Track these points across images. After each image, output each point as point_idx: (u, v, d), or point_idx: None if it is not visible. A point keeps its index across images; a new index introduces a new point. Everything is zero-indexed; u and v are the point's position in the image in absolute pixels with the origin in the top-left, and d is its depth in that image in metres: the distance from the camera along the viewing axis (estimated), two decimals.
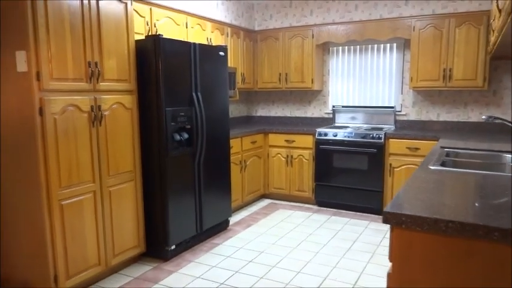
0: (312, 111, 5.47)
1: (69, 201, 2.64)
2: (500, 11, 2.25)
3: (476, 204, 1.55)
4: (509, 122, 2.42)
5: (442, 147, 3.06)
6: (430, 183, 1.89)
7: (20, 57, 2.41)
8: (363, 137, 4.45)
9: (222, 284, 2.91)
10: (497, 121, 2.61)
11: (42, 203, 2.50)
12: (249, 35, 5.23)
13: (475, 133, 4.20)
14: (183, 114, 3.31)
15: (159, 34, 3.11)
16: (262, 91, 5.68)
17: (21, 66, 2.42)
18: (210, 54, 3.63)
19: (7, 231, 2.74)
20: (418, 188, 1.79)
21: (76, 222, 2.69)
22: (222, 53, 3.78)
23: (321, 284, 2.88)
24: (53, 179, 2.52)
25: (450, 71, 4.24)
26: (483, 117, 2.46)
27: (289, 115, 5.64)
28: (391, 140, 4.32)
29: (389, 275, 1.51)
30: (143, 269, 3.16)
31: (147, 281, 2.96)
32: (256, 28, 5.44)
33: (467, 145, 3.17)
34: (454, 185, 1.87)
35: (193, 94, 3.42)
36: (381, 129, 4.66)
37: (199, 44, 3.47)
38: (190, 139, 3.41)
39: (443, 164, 2.47)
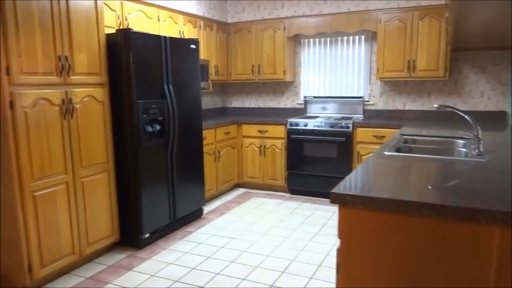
0: (285, 102, 5.61)
1: (42, 192, 2.71)
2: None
3: (415, 184, 1.71)
4: (458, 109, 2.60)
5: (402, 135, 3.25)
6: (381, 167, 2.05)
7: None
8: (332, 127, 4.62)
9: (193, 268, 3.03)
10: (447, 109, 2.79)
11: (15, 195, 2.56)
12: (222, 28, 5.31)
13: (438, 121, 4.42)
14: (154, 106, 3.39)
15: (130, 28, 3.18)
16: (236, 83, 5.79)
17: None
18: (181, 47, 3.71)
19: None
20: (368, 172, 1.94)
21: (49, 213, 2.76)
22: (193, 46, 3.86)
23: (288, 266, 3.04)
24: (25, 171, 2.58)
25: (414, 62, 4.44)
26: (435, 105, 2.63)
27: (262, 106, 5.76)
28: (358, 129, 4.50)
29: (338, 251, 1.67)
30: (118, 257, 3.25)
31: (120, 268, 3.06)
32: (229, 21, 5.52)
33: (427, 132, 3.37)
34: (401, 168, 2.04)
35: (165, 86, 3.51)
36: (350, 118, 4.84)
37: (170, 37, 3.55)
38: (163, 130, 3.51)
39: (398, 150, 2.65)
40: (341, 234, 1.64)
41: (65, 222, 2.89)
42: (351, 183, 1.72)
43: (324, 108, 5.29)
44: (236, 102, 5.96)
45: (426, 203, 1.43)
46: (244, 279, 2.85)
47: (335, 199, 1.60)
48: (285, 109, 5.60)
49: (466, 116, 2.54)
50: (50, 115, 2.73)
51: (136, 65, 3.20)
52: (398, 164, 2.14)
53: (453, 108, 2.59)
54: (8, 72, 2.46)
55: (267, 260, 3.17)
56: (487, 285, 1.38)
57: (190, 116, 3.88)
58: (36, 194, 2.67)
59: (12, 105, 2.49)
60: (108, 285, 2.80)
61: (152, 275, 2.94)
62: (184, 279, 2.86)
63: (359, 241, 1.59)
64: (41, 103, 2.66)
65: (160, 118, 3.47)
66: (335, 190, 1.61)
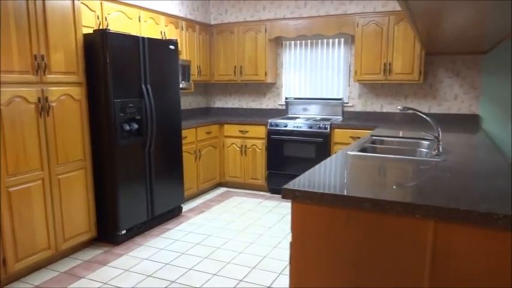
0: (267, 103, 5.70)
1: (17, 188, 2.77)
2: None
3: (362, 181, 1.81)
4: (420, 112, 2.70)
5: (372, 136, 3.35)
6: (337, 166, 2.15)
7: None
8: (310, 127, 4.72)
9: (167, 264, 3.11)
10: (410, 111, 2.90)
11: None
12: (205, 29, 5.39)
13: (413, 123, 4.54)
14: (132, 105, 3.46)
15: (107, 28, 3.26)
16: (220, 83, 5.87)
17: None
18: (160, 47, 3.79)
19: None
20: (323, 170, 2.04)
21: (24, 208, 2.82)
22: (172, 47, 3.94)
23: (259, 262, 3.13)
24: (0, 167, 2.64)
25: (390, 65, 4.56)
26: (398, 107, 2.73)
27: (245, 107, 5.85)
28: (336, 130, 4.61)
29: (291, 244, 1.76)
30: (94, 253, 3.32)
31: (96, 263, 3.13)
32: (213, 22, 5.60)
33: (397, 134, 3.48)
34: (356, 166, 2.14)
35: (143, 86, 3.58)
36: (328, 119, 4.95)
37: (148, 38, 3.62)
38: (141, 129, 3.58)
39: (363, 150, 2.75)
40: (293, 228, 1.73)
41: (41, 217, 2.95)
42: (304, 180, 1.81)
43: (304, 110, 5.40)
44: (219, 103, 6.04)
45: (367, 198, 1.53)
46: (215, 275, 2.93)
47: (286, 194, 1.69)
48: (266, 110, 5.70)
49: (427, 118, 2.65)
50: (26, 113, 2.79)
51: (113, 65, 3.27)
52: (355, 162, 2.24)
53: (415, 110, 2.70)
54: None
55: (239, 256, 3.25)
56: (423, 275, 1.48)
57: (169, 116, 3.95)
58: (10, 189, 2.73)
59: None
60: (82, 280, 2.86)
61: (126, 270, 3.01)
62: (156, 274, 2.94)
63: (308, 234, 1.69)
64: (16, 101, 2.73)
65: (138, 117, 3.55)
66: (286, 186, 1.70)
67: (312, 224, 1.67)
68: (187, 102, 5.65)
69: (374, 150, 2.84)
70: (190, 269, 3.02)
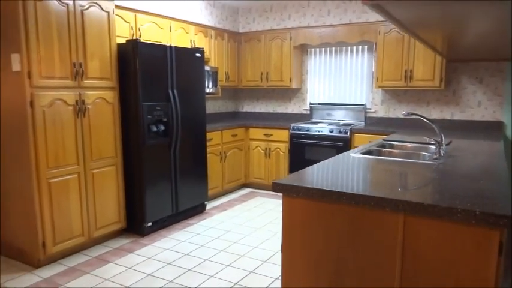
0: (292, 108, 5.90)
1: (56, 180, 3.14)
2: None
3: (352, 178, 1.98)
4: (424, 117, 2.81)
5: (384, 140, 3.47)
6: (335, 165, 2.32)
7: (15, 59, 2.91)
8: (331, 132, 4.87)
9: (186, 254, 3.38)
10: (414, 116, 3.01)
11: (32, 181, 3.00)
12: (233, 37, 5.67)
13: (433, 129, 4.57)
14: (159, 108, 3.78)
15: (137, 39, 3.59)
16: (248, 88, 6.13)
17: (16, 66, 2.92)
18: (187, 55, 4.10)
19: (7, 206, 3.27)
20: (319, 169, 2.22)
21: (62, 198, 3.19)
22: (198, 54, 4.24)
23: (271, 257, 3.33)
24: (41, 160, 3.02)
25: (411, 72, 4.63)
26: (403, 113, 2.85)
27: (271, 111, 6.08)
28: (356, 134, 4.73)
29: (282, 234, 1.96)
30: (122, 242, 3.65)
31: (123, 250, 3.45)
32: (241, 30, 5.88)
33: (412, 139, 3.57)
34: (351, 166, 2.30)
35: (170, 91, 3.89)
36: (350, 125, 5.07)
37: (175, 46, 3.94)
38: (167, 130, 3.89)
39: (368, 153, 2.89)
40: (283, 219, 1.93)
41: (76, 207, 3.31)
42: (295, 176, 2.01)
43: (328, 115, 5.54)
44: (248, 107, 6.30)
45: (344, 193, 1.71)
46: (228, 266, 3.16)
47: (275, 188, 1.90)
48: (292, 114, 5.89)
49: (432, 125, 2.75)
50: (65, 114, 3.17)
51: (143, 72, 3.60)
52: (351, 163, 2.41)
53: (420, 116, 2.81)
54: (29, 76, 2.91)
55: (253, 250, 3.47)
56: (394, 264, 1.64)
57: (194, 118, 4.25)
58: (50, 181, 3.10)
59: (32, 104, 2.94)
60: (109, 264, 3.19)
61: (148, 258, 3.30)
62: (175, 262, 3.21)
63: (296, 225, 1.88)
64: (57, 103, 3.10)
65: (165, 119, 3.86)
66: (276, 181, 1.91)
67: (298, 215, 1.87)
68: (216, 107, 5.95)
69: (379, 153, 2.98)
70: (206, 260, 3.27)
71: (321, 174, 2.09)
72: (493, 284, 1.48)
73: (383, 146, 3.28)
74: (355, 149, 2.93)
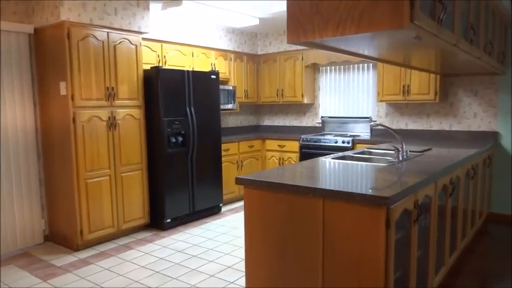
0: (306, 121, 6.44)
1: (92, 180, 3.92)
2: None
3: (301, 175, 2.53)
4: (389, 127, 3.27)
5: (368, 148, 3.94)
6: (299, 166, 2.87)
7: (62, 86, 3.75)
8: (335, 143, 5.36)
9: (195, 245, 4.02)
10: (379, 127, 3.47)
11: (73, 181, 3.80)
12: (252, 58, 6.35)
13: (429, 139, 4.93)
14: (177, 123, 4.50)
15: (159, 66, 4.36)
16: (267, 104, 6.76)
17: (63, 91, 3.75)
18: (203, 77, 4.81)
19: (54, 201, 4.10)
20: (284, 168, 2.78)
21: (96, 195, 3.96)
22: (213, 76, 4.95)
23: None
24: (81, 165, 3.81)
25: (408, 86, 5.04)
26: (371, 123, 3.33)
27: (288, 124, 6.65)
28: (357, 144, 5.18)
29: (244, 218, 2.54)
30: (145, 234, 4.37)
31: (145, 241, 4.16)
32: (259, 52, 6.55)
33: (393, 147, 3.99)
34: (313, 167, 2.83)
35: (187, 108, 4.61)
36: (357, 136, 5.52)
37: (192, 70, 4.67)
38: (184, 141, 4.60)
39: (342, 158, 3.39)
40: (245, 207, 2.52)
41: (107, 203, 4.07)
42: (258, 174, 2.59)
43: (338, 127, 6.02)
44: (267, 121, 6.92)
45: (283, 184, 2.27)
46: (227, 254, 3.76)
47: (237, 181, 2.49)
48: (306, 127, 6.43)
49: (395, 134, 3.21)
50: (100, 128, 3.96)
51: (164, 92, 4.34)
52: (316, 164, 2.94)
53: (385, 126, 3.28)
54: (72, 99, 3.73)
55: None
56: (319, 237, 2.17)
57: (209, 131, 4.93)
58: (88, 181, 3.89)
59: (74, 120, 3.75)
60: (132, 250, 3.90)
61: (164, 247, 3.98)
62: (184, 250, 3.86)
63: (253, 210, 2.46)
64: (93, 119, 3.90)
65: (183, 132, 4.57)
66: (238, 176, 2.50)
67: (255, 203, 2.45)
68: (238, 121, 6.63)
69: (351, 159, 3.46)
70: (210, 249, 3.89)
71: (277, 172, 2.66)
72: (383, 249, 1.96)
73: (362, 153, 3.75)
74: (335, 154, 3.45)
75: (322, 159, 3.23)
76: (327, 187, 2.13)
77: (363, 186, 2.17)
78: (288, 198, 2.28)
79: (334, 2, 1.92)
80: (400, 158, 3.13)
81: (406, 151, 3.28)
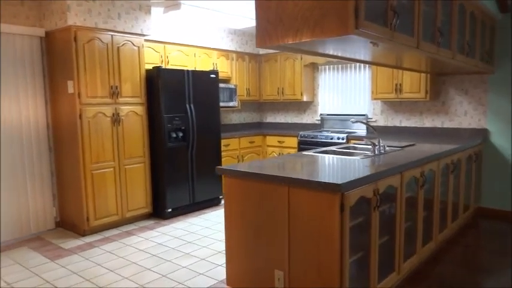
0: (306, 119, 6.67)
1: (97, 171, 4.26)
2: None
3: (276, 166, 2.80)
4: (367, 123, 3.49)
5: (354, 143, 4.17)
6: (279, 158, 3.14)
7: (70, 84, 4.10)
8: (331, 139, 5.59)
9: (192, 232, 4.33)
10: (358, 122, 3.69)
11: (80, 172, 4.15)
12: (254, 58, 6.62)
13: (422, 136, 5.11)
14: (178, 119, 4.81)
15: (160, 66, 4.68)
16: (269, 102, 7.02)
17: (70, 89, 4.10)
18: (202, 76, 5.11)
19: (64, 190, 4.46)
20: (267, 160, 3.05)
21: (101, 185, 4.31)
22: (213, 75, 5.24)
23: None
24: (87, 157, 4.16)
25: (400, 85, 5.22)
26: (352, 120, 3.55)
27: (289, 121, 6.90)
28: (351, 140, 5.40)
29: (224, 203, 2.82)
30: (147, 223, 4.70)
31: (147, 228, 4.49)
32: (261, 52, 6.80)
33: (384, 143, 4.20)
34: (290, 159, 3.09)
35: (187, 105, 4.92)
36: (353, 132, 5.74)
37: (192, 70, 4.97)
38: (184, 136, 4.91)
39: (324, 152, 3.63)
40: (225, 194, 2.80)
41: (112, 193, 4.41)
42: (236, 164, 2.86)
43: (336, 124, 6.24)
44: (270, 118, 7.18)
45: (253, 173, 2.54)
46: (219, 241, 4.05)
47: (218, 171, 2.78)
48: (306, 124, 6.66)
49: (373, 130, 3.45)
50: (104, 123, 4.30)
51: (164, 91, 4.66)
52: (296, 157, 3.20)
53: (362, 122, 3.51)
54: (79, 96, 4.07)
55: None
56: (285, 219, 2.44)
57: (208, 127, 5.22)
58: (93, 172, 4.23)
59: (80, 116, 4.10)
60: (134, 236, 4.23)
61: (163, 233, 4.30)
62: (181, 237, 4.17)
63: (231, 197, 2.74)
64: (99, 115, 4.24)
65: (183, 127, 4.88)
66: (218, 167, 2.79)
67: (232, 190, 2.73)
68: (241, 118, 6.91)
69: (333, 153, 3.69)
70: (205, 236, 4.19)
71: (254, 163, 2.93)
72: (338, 230, 2.22)
73: (347, 148, 3.98)
74: (319, 149, 3.70)
75: (304, 153, 3.48)
76: (293, 176, 2.39)
77: (325, 175, 2.42)
78: (259, 186, 2.56)
79: (293, 13, 2.18)
80: (376, 152, 3.35)
81: (384, 146, 3.50)
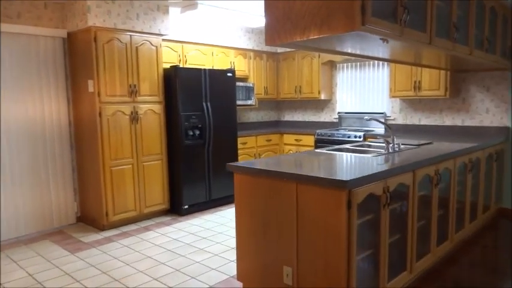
0: (324, 117, 6.65)
1: (116, 168, 4.38)
2: None
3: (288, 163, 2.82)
4: (382, 122, 3.46)
5: (369, 141, 4.14)
6: (293, 156, 3.15)
7: (90, 83, 4.23)
8: (348, 137, 5.55)
9: (207, 229, 4.39)
10: (372, 120, 3.66)
11: (100, 168, 4.27)
12: (272, 56, 6.64)
13: (445, 134, 5.02)
14: (194, 117, 4.89)
15: (177, 65, 4.76)
16: (288, 100, 7.02)
17: (91, 88, 4.23)
18: (219, 75, 5.16)
19: (85, 186, 4.61)
20: (278, 157, 3.07)
21: (120, 182, 4.43)
22: (229, 74, 5.29)
23: None
24: (106, 154, 4.28)
25: (419, 82, 5.14)
26: (366, 117, 3.53)
27: (307, 120, 6.88)
28: (368, 138, 5.35)
29: (235, 199, 2.86)
30: (165, 219, 4.80)
31: (163, 224, 4.59)
32: (279, 51, 6.82)
33: (398, 141, 4.15)
34: (302, 157, 3.10)
35: (204, 103, 4.99)
36: (371, 131, 5.68)
37: (209, 69, 5.04)
38: (201, 134, 4.98)
39: (338, 150, 3.62)
40: (235, 189, 2.84)
41: (130, 189, 4.53)
42: (247, 162, 2.90)
43: (354, 122, 6.19)
44: (288, 116, 7.19)
45: (262, 169, 2.57)
46: (232, 237, 4.10)
47: (229, 167, 2.82)
48: (323, 122, 6.63)
49: (388, 128, 3.42)
50: (123, 121, 4.41)
51: (182, 89, 4.74)
52: (310, 155, 3.21)
53: (377, 120, 3.48)
54: (98, 95, 4.20)
55: None
56: (294, 216, 2.46)
57: (225, 125, 5.28)
58: (112, 169, 4.36)
59: (100, 114, 4.22)
60: (151, 232, 4.33)
61: (179, 229, 4.39)
62: (197, 233, 4.24)
63: (242, 192, 2.78)
64: (118, 114, 4.36)
65: (200, 125, 4.95)
66: (228, 163, 2.83)
67: (243, 186, 2.76)
68: (259, 116, 6.95)
69: (347, 150, 3.68)
70: (220, 233, 4.25)
71: (265, 160, 2.95)
72: (345, 227, 2.22)
73: (362, 145, 3.96)
74: (332, 147, 3.69)
75: (317, 150, 3.48)
76: (301, 173, 2.41)
77: (333, 172, 2.43)
78: (268, 182, 2.59)
79: (300, 11, 2.20)
80: (390, 150, 3.32)
81: (399, 144, 3.47)
